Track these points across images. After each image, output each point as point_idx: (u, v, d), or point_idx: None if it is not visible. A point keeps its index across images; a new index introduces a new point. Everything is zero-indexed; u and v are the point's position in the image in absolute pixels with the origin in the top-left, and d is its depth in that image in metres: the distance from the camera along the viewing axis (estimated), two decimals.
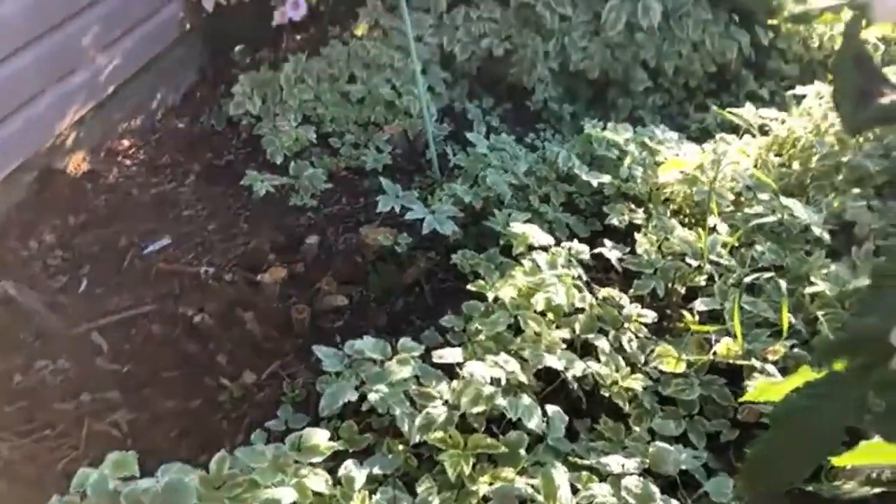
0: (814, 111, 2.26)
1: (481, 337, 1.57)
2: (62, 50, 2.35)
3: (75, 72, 2.43)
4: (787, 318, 1.53)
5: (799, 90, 2.39)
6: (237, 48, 2.95)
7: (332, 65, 2.80)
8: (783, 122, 2.27)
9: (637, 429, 1.47)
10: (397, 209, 2.02)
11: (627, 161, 2.10)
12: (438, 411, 1.37)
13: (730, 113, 2.23)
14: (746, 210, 1.95)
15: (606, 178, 2.07)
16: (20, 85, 2.23)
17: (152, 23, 2.73)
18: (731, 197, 2.02)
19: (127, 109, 2.68)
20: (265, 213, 2.29)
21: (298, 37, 3.08)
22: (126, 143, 2.65)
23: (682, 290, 1.79)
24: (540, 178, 2.15)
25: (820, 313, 1.61)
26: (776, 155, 2.22)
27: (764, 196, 1.95)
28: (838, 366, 0.67)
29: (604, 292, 1.74)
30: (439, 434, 1.33)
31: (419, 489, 1.27)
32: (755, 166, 2.15)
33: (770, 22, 2.72)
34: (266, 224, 2.24)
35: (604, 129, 2.24)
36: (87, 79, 2.48)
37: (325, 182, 2.35)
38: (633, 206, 2.04)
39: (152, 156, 2.61)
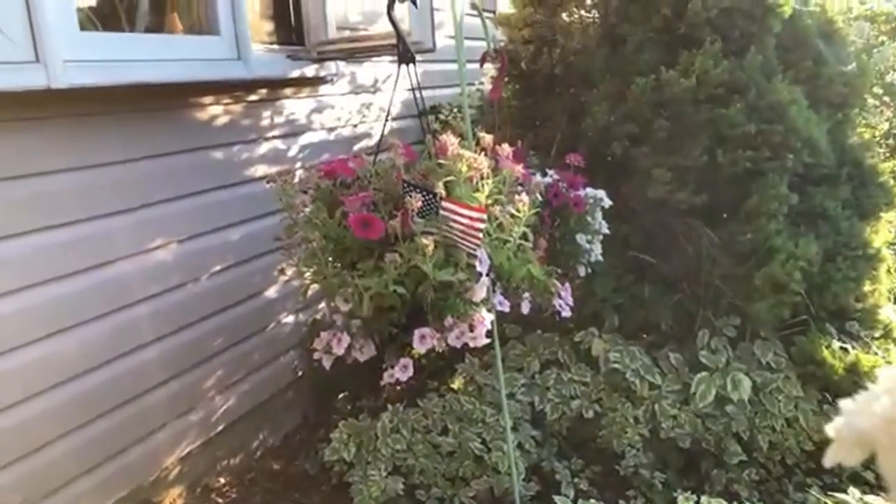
0: None
1: None
2: (186, 391, 2.60)
3: (193, 410, 2.64)
4: None
5: None
6: (341, 395, 3.15)
7: (428, 415, 2.92)
8: None
9: None
10: None
11: None
12: None
13: (831, 497, 2.13)
14: None
15: None
16: (145, 420, 2.44)
17: (269, 368, 3.01)
18: None
19: (230, 447, 2.83)
20: None
21: (399, 387, 3.28)
22: (222, 480, 2.75)
23: None
24: None
25: None
26: None
27: None
28: None
29: None
30: None
31: None
32: None
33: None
34: None
35: (697, 502, 2.17)
36: (203, 417, 2.68)
37: None
38: None
39: (244, 495, 2.68)
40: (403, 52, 1.86)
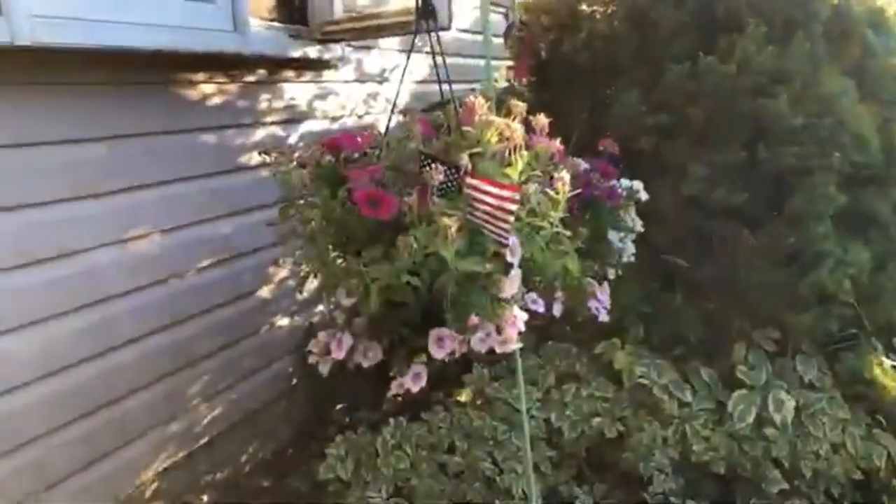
0: None
1: None
2: (167, 397, 2.34)
3: (174, 420, 2.39)
4: None
5: None
6: (338, 406, 2.90)
7: (433, 431, 2.67)
8: None
9: None
10: None
11: None
12: None
13: None
14: None
15: None
16: (122, 429, 2.18)
17: (261, 376, 2.75)
18: None
19: (215, 462, 2.57)
20: None
21: (400, 398, 3.02)
22: (205, 498, 2.49)
23: None
24: None
25: None
26: None
27: None
28: None
29: None
30: None
31: None
32: None
33: None
34: None
35: None
36: (184, 427, 2.43)
37: None
38: None
39: None
40: (423, 8, 1.61)
